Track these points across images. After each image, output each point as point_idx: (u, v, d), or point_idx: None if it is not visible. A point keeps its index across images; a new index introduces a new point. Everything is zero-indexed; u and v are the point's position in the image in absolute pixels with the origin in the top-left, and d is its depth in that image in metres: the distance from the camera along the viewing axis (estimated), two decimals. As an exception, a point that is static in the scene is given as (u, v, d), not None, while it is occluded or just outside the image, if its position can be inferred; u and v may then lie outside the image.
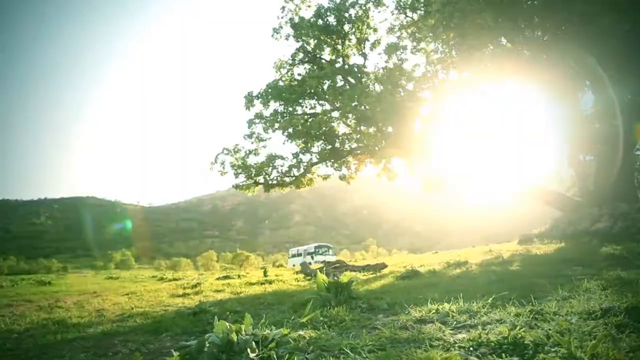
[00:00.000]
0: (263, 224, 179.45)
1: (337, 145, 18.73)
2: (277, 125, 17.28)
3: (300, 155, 19.06)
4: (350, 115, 17.04)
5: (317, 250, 41.71)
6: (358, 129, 17.72)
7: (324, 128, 17.49)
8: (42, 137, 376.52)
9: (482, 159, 19.82)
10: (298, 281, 10.93)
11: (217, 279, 14.13)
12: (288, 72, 19.90)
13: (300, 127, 17.36)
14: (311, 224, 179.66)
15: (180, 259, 68.02)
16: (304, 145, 18.31)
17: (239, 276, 14.30)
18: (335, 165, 19.85)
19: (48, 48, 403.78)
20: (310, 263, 31.55)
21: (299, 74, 19.29)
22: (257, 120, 18.98)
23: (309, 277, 11.14)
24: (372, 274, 11.26)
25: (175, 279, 19.60)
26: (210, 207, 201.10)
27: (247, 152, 18.56)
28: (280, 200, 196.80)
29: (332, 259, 34.50)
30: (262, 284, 10.66)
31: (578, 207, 17.67)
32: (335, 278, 6.24)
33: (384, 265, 12.50)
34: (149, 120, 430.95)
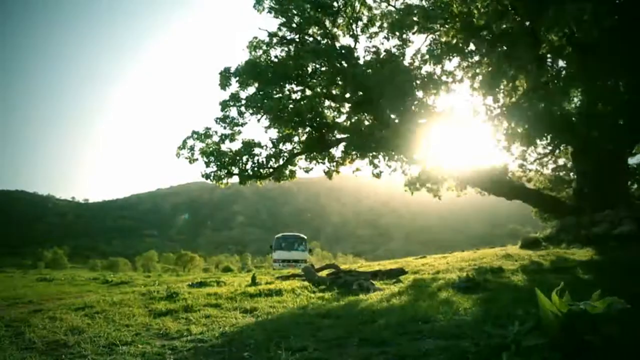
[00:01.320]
0: (205, 224, 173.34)
1: (325, 132, 16.57)
2: (261, 106, 14.78)
3: (281, 144, 16.72)
4: (346, 97, 14.93)
5: (282, 243, 29.95)
6: (353, 116, 15.66)
7: (313, 113, 15.27)
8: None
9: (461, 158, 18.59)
10: (310, 291, 8.63)
11: (190, 285, 11.46)
12: (266, 52, 17.46)
13: (289, 109, 15.00)
14: (255, 225, 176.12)
15: (117, 259, 62.88)
16: (291, 130, 15.96)
17: (217, 283, 11.70)
18: (320, 157, 17.69)
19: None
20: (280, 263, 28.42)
21: (284, 52, 16.92)
22: (232, 103, 16.38)
23: (321, 286, 8.90)
24: (393, 282, 9.22)
25: (124, 283, 16.81)
26: (150, 206, 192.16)
27: (222, 137, 15.91)
28: (223, 201, 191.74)
29: (302, 256, 29.18)
30: (267, 295, 8.25)
31: (572, 210, 16.81)
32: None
33: (402, 271, 10.48)
34: (87, 106, 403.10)
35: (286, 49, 17.16)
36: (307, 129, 16.25)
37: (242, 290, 9.21)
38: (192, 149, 15.86)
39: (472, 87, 17.30)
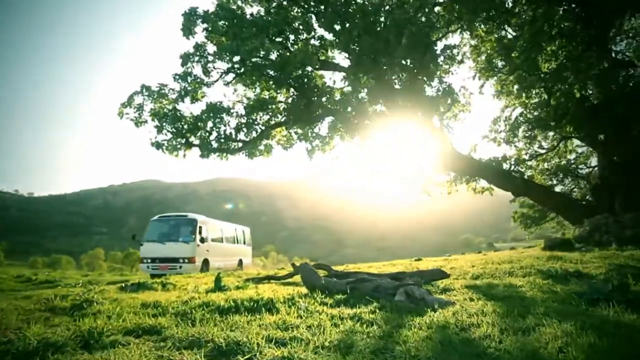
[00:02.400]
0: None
1: (315, 100, 13.13)
2: (236, 51, 11.13)
3: (256, 113, 13.15)
4: (352, 47, 11.56)
5: (155, 231, 17.48)
6: (351, 78, 12.31)
7: (303, 69, 11.82)
8: None
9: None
10: (323, 303, 5.11)
11: (121, 288, 7.72)
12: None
13: (273, 59, 11.46)
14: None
15: (60, 257, 57.01)
16: (271, 91, 12.45)
17: (164, 285, 8.01)
18: (303, 131, 14.25)
19: None
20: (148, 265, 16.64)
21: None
22: (197, 56, 12.67)
23: (335, 295, 5.42)
24: (440, 292, 5.97)
25: (49, 282, 14.29)
26: (100, 202, 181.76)
27: (181, 93, 12.11)
28: (178, 200, 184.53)
29: (185, 252, 16.43)
30: (250, 310, 4.72)
31: (593, 209, 14.44)
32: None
33: (442, 274, 7.19)
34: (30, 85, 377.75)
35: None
36: (292, 91, 12.76)
37: (202, 299, 5.64)
38: (140, 108, 12.00)
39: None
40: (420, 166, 16.33)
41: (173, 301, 5.48)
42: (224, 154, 12.90)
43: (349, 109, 13.17)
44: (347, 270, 10.94)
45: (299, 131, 14.08)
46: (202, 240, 17.04)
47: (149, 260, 16.57)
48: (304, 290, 6.35)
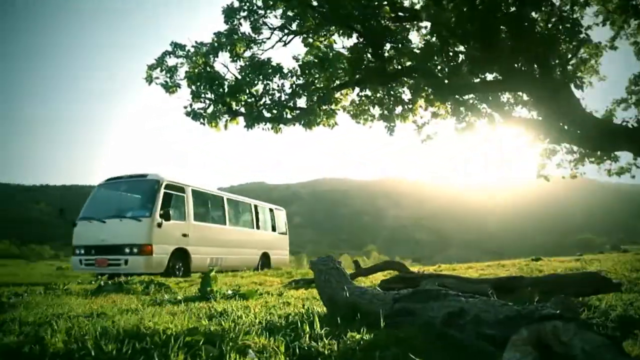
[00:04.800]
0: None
1: (386, 50, 10.06)
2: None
3: (314, 69, 10.43)
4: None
5: (95, 206, 11.13)
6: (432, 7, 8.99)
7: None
8: None
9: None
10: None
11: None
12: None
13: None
14: (310, 226, 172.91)
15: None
16: (330, 38, 9.68)
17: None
18: (378, 95, 11.24)
19: None
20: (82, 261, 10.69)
21: None
22: (244, 9, 10.33)
23: (356, 322, 2.54)
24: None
25: None
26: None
27: (217, 45, 9.80)
28: (280, 201, 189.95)
29: (138, 236, 10.15)
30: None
31: None
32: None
33: (607, 283, 3.86)
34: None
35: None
36: (355, 37, 9.82)
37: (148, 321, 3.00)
38: (172, 70, 9.94)
39: None
40: (533, 142, 12.40)
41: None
42: (277, 124, 10.36)
43: (436, 60, 9.92)
44: (432, 271, 7.73)
45: (370, 94, 11.10)
46: (168, 215, 10.25)
47: (82, 251, 10.53)
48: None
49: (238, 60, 9.98)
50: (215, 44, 9.55)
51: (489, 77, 10.74)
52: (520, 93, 11.51)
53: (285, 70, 10.25)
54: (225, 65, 9.73)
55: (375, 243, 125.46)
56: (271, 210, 16.21)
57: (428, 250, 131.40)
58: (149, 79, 9.72)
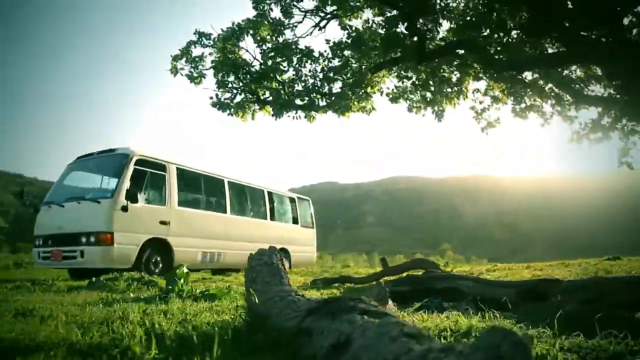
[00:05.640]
0: (335, 223, 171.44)
1: (422, 23, 8.95)
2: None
3: (348, 51, 9.57)
4: None
5: (59, 190, 9.01)
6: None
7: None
8: None
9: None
10: None
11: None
12: None
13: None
14: (384, 225, 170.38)
15: None
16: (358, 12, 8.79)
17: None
18: (417, 77, 10.12)
19: None
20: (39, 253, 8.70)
21: None
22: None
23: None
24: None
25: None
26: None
27: (236, 32, 9.26)
28: (353, 201, 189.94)
29: (98, 223, 7.88)
30: None
31: None
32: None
33: None
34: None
35: None
36: (386, 10, 8.83)
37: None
38: (198, 60, 9.59)
39: None
40: (611, 125, 10.61)
41: None
42: (309, 112, 9.64)
43: (483, 30, 8.66)
44: (455, 271, 6.58)
45: (411, 75, 10.00)
46: (136, 197, 7.98)
47: (41, 242, 8.58)
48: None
49: (263, 45, 9.37)
50: (237, 28, 9.00)
51: (550, 50, 9.30)
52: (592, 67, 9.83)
53: (316, 54, 9.52)
54: (248, 51, 9.16)
55: (451, 242, 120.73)
56: (292, 200, 13.81)
57: (507, 249, 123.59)
58: (174, 70, 9.45)
